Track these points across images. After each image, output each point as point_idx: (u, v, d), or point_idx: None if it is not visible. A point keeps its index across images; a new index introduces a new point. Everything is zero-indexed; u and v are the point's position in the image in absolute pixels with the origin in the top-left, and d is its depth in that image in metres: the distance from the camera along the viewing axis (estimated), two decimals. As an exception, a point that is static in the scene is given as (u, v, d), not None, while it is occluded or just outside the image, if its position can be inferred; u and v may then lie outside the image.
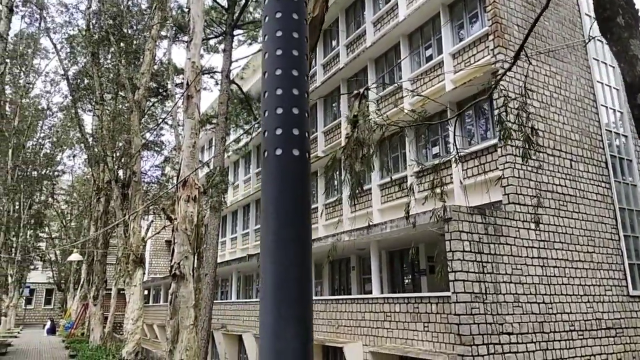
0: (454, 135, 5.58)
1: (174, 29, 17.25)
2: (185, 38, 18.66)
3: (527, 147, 4.30)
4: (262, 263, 1.18)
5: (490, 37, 12.56)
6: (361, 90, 4.28)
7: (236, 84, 21.04)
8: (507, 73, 12.07)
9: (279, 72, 1.25)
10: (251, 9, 20.32)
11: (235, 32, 19.15)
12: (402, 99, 15.78)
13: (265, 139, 1.24)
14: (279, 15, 1.28)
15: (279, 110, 1.23)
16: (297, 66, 1.27)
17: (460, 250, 10.07)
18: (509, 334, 10.32)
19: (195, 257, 7.69)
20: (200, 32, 8.56)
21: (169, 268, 7.40)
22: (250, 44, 21.30)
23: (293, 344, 1.10)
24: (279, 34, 1.27)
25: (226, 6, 18.61)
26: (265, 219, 1.19)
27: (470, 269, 10.12)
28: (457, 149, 5.21)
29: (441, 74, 14.52)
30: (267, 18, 1.31)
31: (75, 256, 17.40)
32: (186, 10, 18.91)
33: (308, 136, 1.26)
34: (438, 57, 14.87)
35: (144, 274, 12.62)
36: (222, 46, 19.16)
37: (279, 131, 1.22)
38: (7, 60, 15.54)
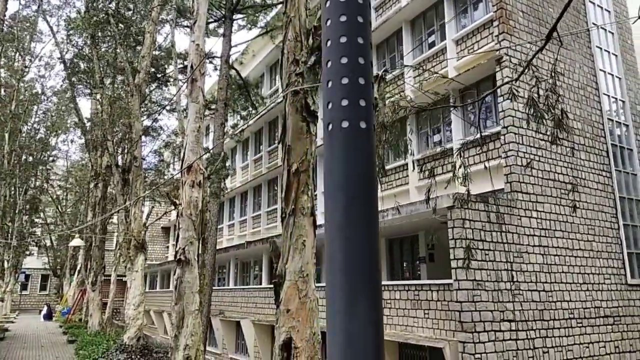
0: (479, 117, 5.51)
1: (174, 12, 16.94)
2: (186, 23, 18.41)
3: (557, 130, 4.23)
4: (329, 239, 1.11)
5: (495, 23, 12.44)
6: (379, 73, 4.20)
7: (235, 69, 20.81)
8: (513, 59, 11.99)
9: (343, 39, 1.17)
10: (251, -7, 20.02)
11: (235, 17, 18.89)
12: (405, 84, 15.68)
13: (330, 110, 1.17)
14: (340, -21, 1.20)
15: (345, 80, 1.16)
16: (362, 33, 1.19)
17: (463, 238, 10.07)
18: (510, 321, 10.38)
19: (200, 242, 7.63)
20: (204, 14, 8.39)
21: (174, 253, 7.35)
22: (250, 28, 21.01)
23: (365, 324, 1.04)
24: (343, -1, 1.19)
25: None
26: (332, 194, 1.12)
27: (472, 256, 10.12)
28: (480, 132, 5.13)
29: (444, 60, 14.40)
30: (327, -18, 1.22)
31: (77, 241, 17.30)
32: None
33: (374, 107, 1.19)
34: (441, 44, 14.74)
35: (145, 259, 12.58)
36: (221, 30, 18.90)
37: (344, 102, 1.15)
38: (3, 43, 15.23)
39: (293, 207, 4.41)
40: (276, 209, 24.01)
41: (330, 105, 1.17)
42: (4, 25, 14.26)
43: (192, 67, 7.66)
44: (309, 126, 4.60)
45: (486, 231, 10.52)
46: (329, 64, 1.19)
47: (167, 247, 40.22)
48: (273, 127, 26.00)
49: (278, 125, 24.78)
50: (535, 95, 3.80)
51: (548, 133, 12.51)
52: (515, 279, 10.55)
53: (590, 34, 14.81)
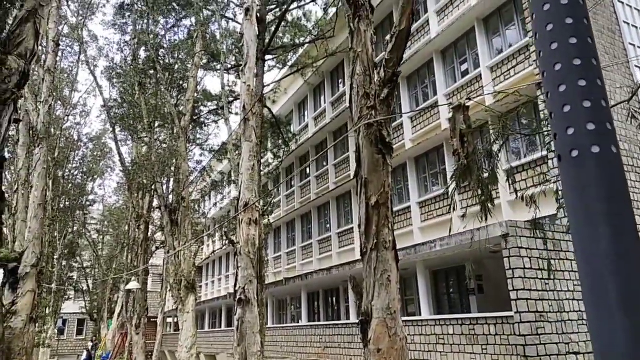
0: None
1: (224, 56, 17.50)
2: (219, 67, 19.00)
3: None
4: (594, 273, 1.02)
5: (532, 48, 12.39)
6: (462, 102, 4.16)
7: (267, 108, 21.21)
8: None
9: (577, 61, 1.12)
10: (280, 35, 20.61)
11: (266, 58, 19.39)
12: (439, 114, 15.68)
13: (571, 136, 1.10)
14: (564, 1, 1.17)
15: (587, 104, 1.10)
16: (594, 55, 1.15)
17: (521, 268, 9.72)
18: (576, 353, 9.84)
19: (258, 281, 7.54)
20: (254, 56, 8.62)
21: (233, 292, 7.27)
22: (281, 68, 21.55)
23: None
24: (569, 21, 1.15)
25: (257, 33, 18.89)
26: (589, 224, 1.04)
27: (533, 286, 9.74)
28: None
29: (479, 87, 14.36)
30: (549, 6, 1.19)
31: (133, 284, 17.47)
32: (220, 41, 19.26)
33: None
34: (475, 71, 14.74)
35: (196, 299, 12.52)
36: (254, 72, 19.37)
37: (591, 126, 1.09)
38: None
39: (375, 241, 4.31)
40: (311, 244, 23.83)
41: (571, 131, 1.11)
42: (54, 77, 14.98)
43: (244, 107, 7.80)
44: (385, 158, 4.56)
45: (544, 259, 10.13)
46: (562, 87, 1.14)
47: (200, 286, 40.17)
48: (304, 162, 26.18)
49: (309, 159, 24.94)
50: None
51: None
52: (579, 309, 10.05)
53: (627, 53, 14.62)
